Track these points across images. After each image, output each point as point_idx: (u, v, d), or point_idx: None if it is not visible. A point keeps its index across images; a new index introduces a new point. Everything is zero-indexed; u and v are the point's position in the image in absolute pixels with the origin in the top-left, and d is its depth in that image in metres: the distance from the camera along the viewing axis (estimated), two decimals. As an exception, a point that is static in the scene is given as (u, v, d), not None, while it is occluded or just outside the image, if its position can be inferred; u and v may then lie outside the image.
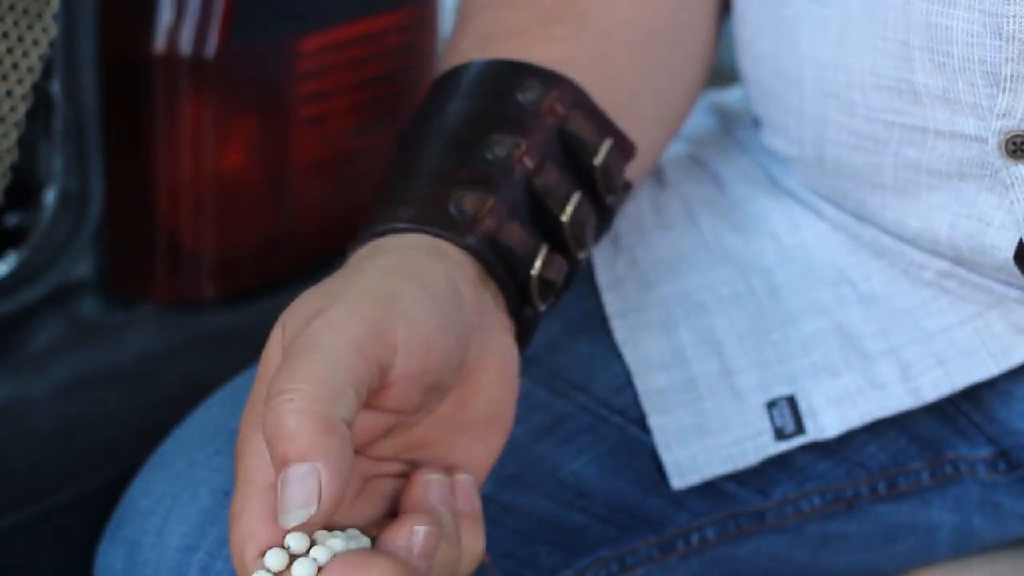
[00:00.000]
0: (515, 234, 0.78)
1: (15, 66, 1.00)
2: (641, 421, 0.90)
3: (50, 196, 1.03)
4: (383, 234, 0.77)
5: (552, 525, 0.88)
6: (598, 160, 0.82)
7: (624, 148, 0.84)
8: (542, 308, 0.80)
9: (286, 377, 0.68)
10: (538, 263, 0.79)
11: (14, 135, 1.02)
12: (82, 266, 1.07)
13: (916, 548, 0.94)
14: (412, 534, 0.69)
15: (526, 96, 0.82)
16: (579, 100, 0.82)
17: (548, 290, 0.80)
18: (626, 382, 0.90)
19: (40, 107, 1.03)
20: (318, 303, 0.71)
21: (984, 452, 0.92)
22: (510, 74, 0.82)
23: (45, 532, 0.97)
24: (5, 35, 0.99)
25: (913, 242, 0.88)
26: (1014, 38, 0.77)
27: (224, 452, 0.88)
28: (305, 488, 0.66)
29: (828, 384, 0.88)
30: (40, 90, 1.02)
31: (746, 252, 0.92)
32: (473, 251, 0.77)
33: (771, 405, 0.88)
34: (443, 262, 0.75)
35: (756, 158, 0.96)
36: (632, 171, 0.85)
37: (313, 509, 0.66)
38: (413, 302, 0.72)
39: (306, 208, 1.12)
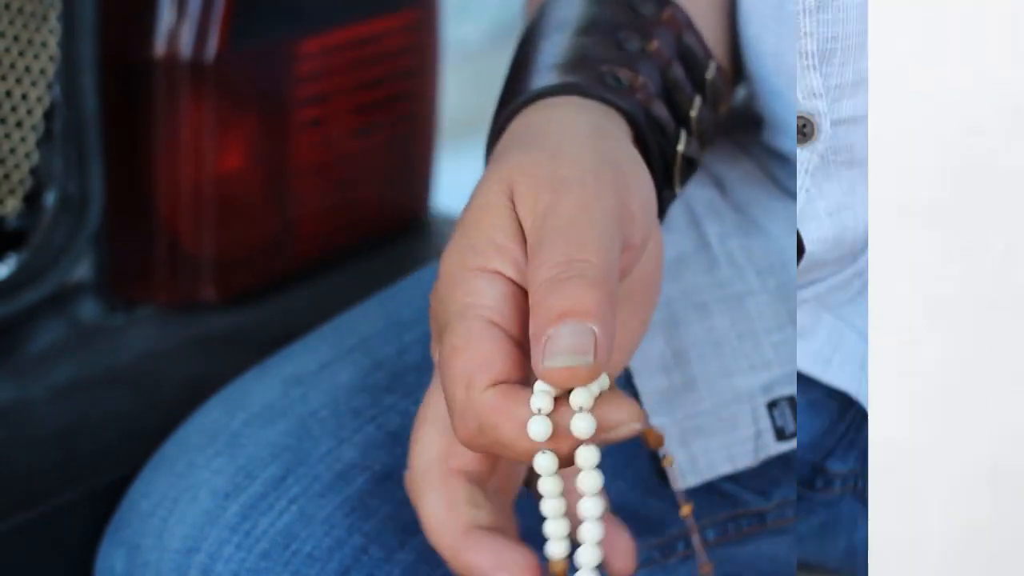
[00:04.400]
0: (662, 111, 0.78)
1: (27, 69, 1.00)
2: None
3: (50, 198, 1.03)
4: (539, 96, 0.75)
5: (552, 527, 0.88)
6: (709, 75, 0.82)
7: (724, 73, 0.83)
8: (677, 191, 0.79)
9: (573, 249, 0.66)
10: (682, 139, 0.78)
11: (32, 139, 1.02)
12: (82, 268, 1.07)
13: (917, 550, 0.94)
14: None
15: (646, 8, 0.81)
16: (688, 21, 0.82)
17: (688, 170, 0.79)
18: (626, 383, 0.90)
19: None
20: (553, 169, 0.69)
21: (985, 453, 0.92)
22: None
23: (45, 534, 0.97)
24: (16, 38, 0.99)
25: (915, 240, 0.88)
26: None
27: (224, 454, 0.87)
28: (581, 339, 0.64)
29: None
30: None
31: (748, 253, 0.92)
32: (631, 118, 0.76)
33: (772, 405, 0.88)
34: (619, 128, 0.74)
35: (757, 160, 0.96)
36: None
37: (588, 360, 0.64)
38: (633, 172, 0.71)
39: (306, 210, 1.12)
